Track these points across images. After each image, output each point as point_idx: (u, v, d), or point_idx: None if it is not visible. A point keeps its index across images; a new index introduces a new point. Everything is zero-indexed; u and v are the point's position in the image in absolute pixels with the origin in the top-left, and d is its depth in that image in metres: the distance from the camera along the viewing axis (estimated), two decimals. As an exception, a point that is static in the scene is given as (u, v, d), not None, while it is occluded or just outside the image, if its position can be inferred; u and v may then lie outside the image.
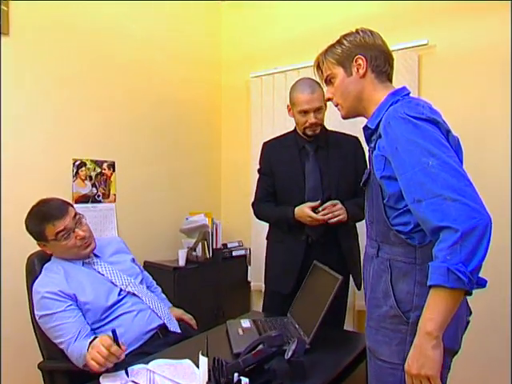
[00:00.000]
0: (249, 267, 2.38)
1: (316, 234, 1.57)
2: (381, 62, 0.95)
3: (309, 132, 1.57)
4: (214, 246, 2.28)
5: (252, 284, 2.36)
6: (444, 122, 0.83)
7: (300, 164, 1.58)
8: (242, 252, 2.39)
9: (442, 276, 0.72)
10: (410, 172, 0.78)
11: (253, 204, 1.70)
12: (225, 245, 2.35)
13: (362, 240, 1.79)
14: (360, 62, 0.94)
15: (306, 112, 1.53)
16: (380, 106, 0.91)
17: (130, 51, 2.13)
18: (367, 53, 0.95)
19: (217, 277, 2.22)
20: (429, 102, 0.90)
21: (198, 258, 2.19)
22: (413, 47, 1.93)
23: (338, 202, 1.51)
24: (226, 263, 2.28)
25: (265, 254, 1.71)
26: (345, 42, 0.96)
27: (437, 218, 0.74)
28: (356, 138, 1.67)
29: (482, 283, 0.76)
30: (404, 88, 0.94)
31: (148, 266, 2.10)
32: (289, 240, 1.60)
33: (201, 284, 2.14)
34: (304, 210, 1.50)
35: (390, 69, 0.95)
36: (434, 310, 0.74)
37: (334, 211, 1.50)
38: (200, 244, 2.20)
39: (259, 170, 1.70)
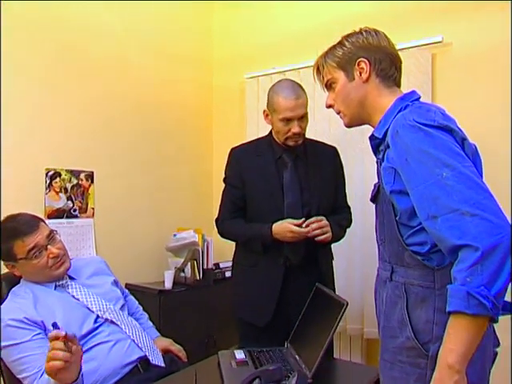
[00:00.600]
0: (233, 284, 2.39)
1: (297, 256, 1.55)
2: (386, 65, 0.95)
3: (290, 143, 1.55)
4: (205, 266, 2.28)
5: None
6: (459, 129, 0.83)
7: (277, 176, 1.56)
8: (237, 273, 2.40)
9: (461, 301, 0.70)
10: (423, 185, 0.78)
11: (217, 220, 1.66)
12: (217, 265, 2.34)
13: (338, 261, 1.77)
14: (363, 65, 0.95)
15: (289, 120, 1.52)
16: (387, 113, 0.92)
17: (108, 49, 2.13)
18: (371, 55, 0.95)
19: (208, 301, 2.21)
20: (442, 107, 0.90)
21: (187, 280, 2.19)
22: (426, 45, 1.94)
23: (323, 217, 1.51)
24: (218, 285, 2.26)
25: (232, 280, 1.68)
26: (346, 43, 0.97)
27: (454, 236, 0.73)
28: (334, 148, 1.69)
29: (508, 308, 0.75)
30: (413, 92, 0.95)
31: (130, 290, 2.11)
32: (264, 264, 1.56)
33: (190, 309, 2.13)
34: (285, 225, 1.47)
35: (397, 73, 0.96)
36: (455, 339, 0.71)
37: (323, 227, 1.49)
38: (189, 264, 2.19)
39: (225, 180, 1.67)
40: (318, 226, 1.48)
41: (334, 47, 0.99)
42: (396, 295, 0.87)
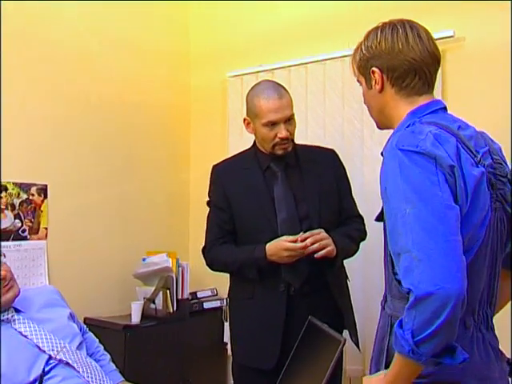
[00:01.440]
0: (225, 324, 2.37)
1: (298, 278, 1.55)
2: (402, 73, 0.99)
3: (279, 151, 1.58)
4: (180, 296, 2.28)
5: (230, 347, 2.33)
6: (450, 155, 0.88)
7: (267, 189, 1.60)
8: (217, 304, 2.39)
9: (394, 337, 0.84)
10: (393, 219, 0.87)
11: (203, 249, 1.69)
12: (194, 294, 2.35)
13: (354, 283, 1.78)
14: (376, 75, 1.01)
15: (274, 124, 1.55)
16: (397, 128, 0.99)
17: (65, 40, 2.12)
18: (383, 63, 1.00)
19: (183, 338, 2.20)
20: (453, 120, 0.95)
21: (158, 313, 2.18)
22: (435, 40, 1.99)
23: (321, 230, 1.53)
24: (195, 319, 2.27)
25: (228, 318, 1.69)
26: (362, 47, 1.04)
27: (405, 277, 0.84)
28: (332, 151, 1.72)
29: (449, 359, 0.82)
30: (431, 104, 1.00)
31: (89, 325, 2.08)
32: (262, 293, 1.57)
33: (161, 347, 2.11)
34: (279, 242, 1.50)
35: (419, 80, 1.00)
36: (389, 370, 0.87)
37: (321, 240, 1.50)
38: (160, 293, 2.19)
39: (209, 203, 1.71)
40: (313, 239, 1.48)
41: (357, 48, 1.06)
42: (382, 327, 0.98)
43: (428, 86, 1.01)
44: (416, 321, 0.80)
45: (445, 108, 1.02)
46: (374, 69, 1.01)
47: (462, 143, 0.91)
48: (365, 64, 1.03)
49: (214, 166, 1.72)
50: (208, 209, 1.73)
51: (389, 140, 0.97)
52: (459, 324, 0.84)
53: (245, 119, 1.65)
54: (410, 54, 0.99)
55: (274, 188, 1.60)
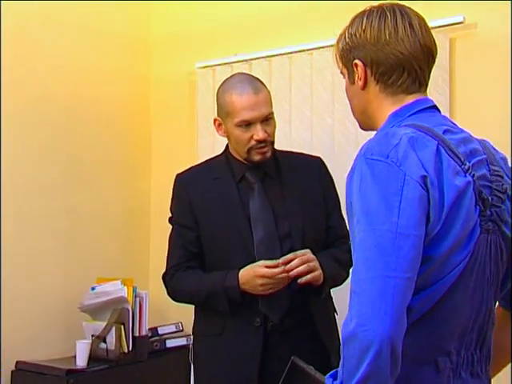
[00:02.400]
0: (192, 367, 2.27)
1: (277, 311, 1.55)
2: (387, 68, 1.01)
3: (256, 157, 1.59)
4: (137, 333, 2.26)
5: (196, 394, 2.36)
6: (425, 162, 0.90)
7: (241, 203, 1.61)
8: (183, 341, 2.37)
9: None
10: (353, 241, 0.92)
11: (164, 275, 1.69)
12: (154, 330, 2.34)
13: (343, 317, 1.80)
14: (359, 69, 1.03)
15: (249, 124, 1.56)
16: (378, 132, 1.02)
17: None
18: (366, 56, 1.02)
19: (141, 383, 2.19)
20: (435, 124, 0.97)
21: (110, 354, 2.15)
22: (442, 27, 2.00)
23: (308, 250, 1.54)
24: (155, 360, 2.26)
25: (193, 359, 1.70)
26: (346, 34, 1.06)
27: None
28: (318, 159, 1.75)
29: None
30: (414, 104, 1.02)
31: (22, 371, 2.03)
32: (233, 329, 1.58)
33: (114, 397, 2.11)
34: (253, 268, 1.51)
35: (408, 76, 1.02)
36: None
37: (308, 262, 1.50)
38: (113, 330, 2.16)
39: (172, 220, 1.72)
40: (300, 261, 1.49)
41: (340, 35, 1.08)
42: None
43: (419, 84, 1.03)
44: (345, 368, 0.84)
45: (434, 107, 1.04)
46: (356, 61, 1.03)
47: (445, 148, 0.93)
48: (347, 54, 1.05)
49: (178, 175, 1.72)
50: (170, 227, 1.73)
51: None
52: (429, 366, 0.87)
53: (215, 120, 1.66)
54: (398, 47, 1.00)
55: (249, 202, 1.62)
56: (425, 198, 0.88)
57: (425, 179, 0.89)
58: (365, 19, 1.03)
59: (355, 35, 1.03)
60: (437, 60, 1.99)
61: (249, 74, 1.70)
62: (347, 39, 1.05)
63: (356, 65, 1.03)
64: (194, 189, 1.67)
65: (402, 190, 0.88)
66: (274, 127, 1.63)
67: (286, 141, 2.22)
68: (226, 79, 1.67)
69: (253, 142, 1.57)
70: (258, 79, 1.63)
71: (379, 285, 0.84)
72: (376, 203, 0.88)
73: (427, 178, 0.89)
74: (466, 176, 0.92)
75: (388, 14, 1.02)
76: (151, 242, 2.66)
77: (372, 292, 0.84)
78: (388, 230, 0.86)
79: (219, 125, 1.65)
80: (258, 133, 1.55)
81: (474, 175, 0.93)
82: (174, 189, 1.71)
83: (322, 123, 2.24)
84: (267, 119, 1.58)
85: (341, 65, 1.09)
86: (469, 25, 2.01)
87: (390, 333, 0.81)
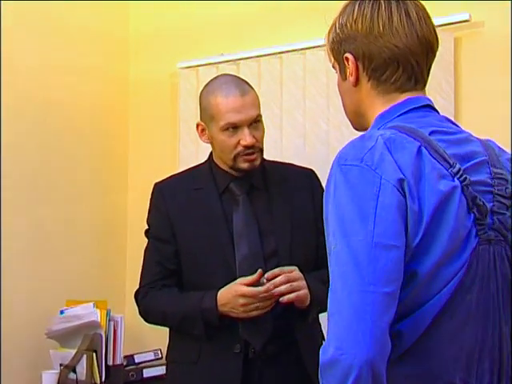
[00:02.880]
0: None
1: (260, 336, 1.55)
2: (380, 63, 1.00)
3: (243, 164, 1.60)
4: (111, 362, 2.25)
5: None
6: (402, 165, 0.90)
7: (224, 217, 1.63)
8: (162, 371, 2.27)
9: None
10: (329, 257, 0.92)
11: (136, 293, 1.70)
12: (130, 358, 2.33)
13: None
14: (350, 63, 1.03)
15: (235, 127, 1.58)
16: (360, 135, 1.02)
17: None
18: (358, 49, 1.01)
19: None
20: (424, 124, 0.97)
21: None
22: (446, 25, 2.02)
23: (295, 268, 1.54)
24: None
25: None
26: (337, 24, 1.05)
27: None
28: (310, 171, 1.76)
29: None
30: (404, 103, 1.01)
31: None
32: (211, 356, 1.57)
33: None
34: (233, 287, 1.51)
35: (402, 74, 1.01)
36: None
37: (295, 280, 1.51)
38: (84, 358, 2.14)
39: (148, 233, 1.73)
40: (285, 278, 1.49)
41: (331, 26, 1.07)
42: None
43: (415, 81, 1.02)
44: None
45: (428, 106, 1.03)
46: (347, 55, 1.02)
47: (429, 150, 0.92)
48: (338, 47, 1.05)
49: (156, 184, 1.73)
50: (146, 240, 1.73)
51: None
52: None
53: (198, 125, 1.67)
54: (393, 39, 0.99)
55: (233, 216, 1.62)
56: (403, 204, 0.88)
57: (402, 183, 0.88)
58: (356, 7, 1.02)
59: (346, 26, 1.03)
60: (440, 61, 1.97)
61: (235, 75, 1.73)
62: (337, 30, 1.04)
63: (347, 58, 1.02)
64: (172, 199, 1.67)
65: (377, 196, 0.87)
66: (263, 132, 1.64)
67: (276, 149, 2.23)
68: (210, 81, 1.69)
69: (240, 148, 1.57)
70: (244, 81, 1.66)
71: (356, 302, 0.84)
72: (350, 211, 0.88)
73: (404, 182, 0.88)
74: (453, 180, 0.91)
75: (382, 1, 1.01)
76: (128, 260, 2.65)
77: (349, 311, 0.84)
78: (363, 240, 0.86)
79: (202, 130, 1.66)
80: (246, 137, 1.56)
81: (465, 179, 0.92)
82: (151, 199, 1.72)
83: (316, 130, 2.24)
84: (255, 122, 1.59)
85: (332, 58, 1.08)
86: (475, 23, 2.02)
87: (370, 356, 0.81)
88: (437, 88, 2.02)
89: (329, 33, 1.08)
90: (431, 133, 0.95)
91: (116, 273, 2.61)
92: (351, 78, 1.03)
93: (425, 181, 0.90)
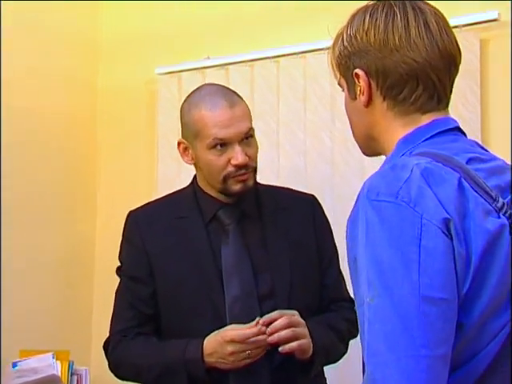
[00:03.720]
0: None
1: None
2: (397, 80, 1.02)
3: (235, 186, 1.60)
4: None
5: None
6: (445, 201, 0.90)
7: (210, 251, 1.62)
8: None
9: None
10: (360, 308, 0.93)
11: (106, 343, 1.70)
12: None
13: None
14: (361, 81, 1.05)
15: (224, 144, 1.58)
16: (385, 163, 1.04)
17: None
18: (370, 64, 1.03)
19: None
20: (457, 151, 0.98)
21: None
22: (471, 25, 2.04)
23: (296, 312, 1.54)
24: None
25: None
26: (344, 36, 1.08)
27: None
28: (311, 198, 1.78)
29: None
30: (431, 126, 1.03)
31: None
32: None
33: None
34: (222, 333, 1.50)
35: (423, 93, 1.03)
36: None
37: (294, 326, 1.50)
38: None
39: (120, 270, 1.73)
40: (286, 321, 1.49)
41: (337, 36, 1.10)
42: None
43: (438, 99, 1.03)
44: None
45: (457, 129, 1.05)
46: (357, 71, 1.04)
47: (470, 182, 0.93)
48: (346, 62, 1.07)
49: (131, 213, 1.73)
50: (118, 280, 1.73)
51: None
52: None
53: (180, 143, 1.67)
54: (411, 53, 1.01)
55: (221, 249, 1.62)
56: (450, 248, 0.88)
57: (447, 223, 0.89)
58: (367, 17, 1.04)
59: (355, 38, 1.04)
60: (464, 67, 2.00)
61: (220, 85, 1.74)
62: (346, 42, 1.06)
63: (357, 75, 1.04)
64: (150, 230, 1.67)
65: (419, 239, 0.88)
66: (257, 148, 1.64)
67: (271, 170, 2.23)
68: (193, 92, 1.70)
69: (230, 169, 1.57)
70: (232, 91, 1.67)
71: (407, 369, 0.84)
72: (390, 258, 0.88)
73: (450, 222, 0.89)
74: (499, 217, 0.92)
75: (397, 10, 1.02)
76: (94, 303, 2.62)
77: (399, 379, 0.84)
78: (409, 294, 0.86)
79: (185, 149, 1.66)
80: (237, 156, 1.56)
81: (510, 215, 0.93)
82: (124, 230, 1.72)
83: (319, 147, 2.23)
84: (247, 138, 1.59)
85: (338, 75, 1.10)
86: (504, 23, 2.03)
87: None
88: (460, 99, 2.02)
89: (334, 45, 1.10)
90: (468, 161, 0.96)
91: (80, 317, 2.59)
92: (362, 98, 1.04)
93: (470, 219, 0.90)
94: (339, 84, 1.12)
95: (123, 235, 1.72)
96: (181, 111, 1.68)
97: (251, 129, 1.61)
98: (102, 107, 2.72)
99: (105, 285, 2.49)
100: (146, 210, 1.75)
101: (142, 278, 1.65)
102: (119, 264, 1.73)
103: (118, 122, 2.68)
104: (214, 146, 1.57)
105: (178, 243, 1.65)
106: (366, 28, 1.03)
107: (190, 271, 1.62)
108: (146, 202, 1.82)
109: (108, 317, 2.13)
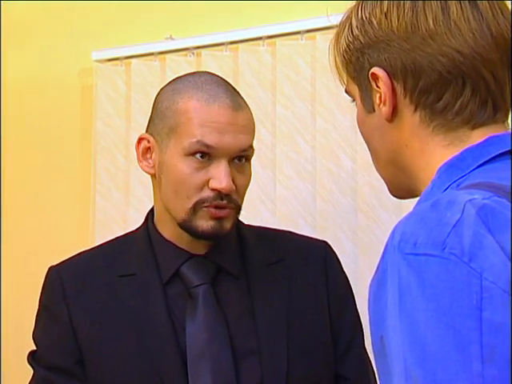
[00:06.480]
0: None
1: None
2: (434, 81, 0.98)
3: (204, 223, 1.48)
4: None
5: None
6: None
7: (169, 326, 1.51)
8: None
9: None
10: None
11: None
12: None
13: None
14: (381, 84, 1.01)
15: (208, 154, 1.46)
16: (420, 199, 1.01)
17: None
18: (394, 60, 1.00)
19: None
20: None
21: None
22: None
23: None
24: None
25: None
26: (353, 22, 1.05)
27: None
28: (324, 245, 1.70)
29: None
30: (485, 144, 0.98)
31: None
32: None
33: None
34: None
35: (472, 98, 0.98)
36: None
37: None
38: None
39: (34, 357, 1.59)
40: None
41: (341, 24, 1.08)
42: None
43: (494, 107, 0.97)
44: None
45: None
46: (375, 70, 0.98)
47: None
48: (357, 59, 1.03)
49: (52, 269, 1.58)
50: (31, 372, 1.57)
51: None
52: None
53: (141, 139, 1.52)
54: (452, 42, 0.97)
55: (185, 325, 1.50)
56: None
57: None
58: (377, 3, 1.02)
59: (370, 23, 1.01)
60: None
61: (225, 80, 1.59)
62: (356, 30, 1.03)
63: (375, 76, 0.98)
64: (80, 296, 1.54)
65: (480, 309, 0.78)
66: (249, 178, 1.53)
67: (264, 201, 2.14)
68: (184, 76, 1.58)
69: (206, 193, 1.44)
70: (238, 92, 1.57)
71: None
72: (436, 339, 0.79)
73: None
74: None
75: None
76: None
77: None
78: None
79: (147, 150, 1.51)
80: (220, 176, 1.43)
81: None
82: (41, 296, 1.56)
83: (334, 168, 2.07)
84: (240, 158, 1.47)
85: (346, 78, 1.07)
86: None
87: None
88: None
89: (338, 37, 1.07)
90: None
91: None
92: (384, 109, 0.99)
93: None
94: (347, 92, 1.08)
95: (40, 304, 1.57)
96: (157, 95, 1.55)
97: (251, 149, 1.49)
98: (10, 108, 2.54)
99: (11, 377, 2.48)
100: (75, 264, 1.60)
101: (67, 368, 1.51)
102: (32, 348, 1.56)
103: (32, 130, 2.52)
104: (194, 153, 1.43)
105: (121, 315, 1.50)
106: (384, 9, 0.99)
107: (137, 357, 1.49)
108: (75, 252, 1.63)
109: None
